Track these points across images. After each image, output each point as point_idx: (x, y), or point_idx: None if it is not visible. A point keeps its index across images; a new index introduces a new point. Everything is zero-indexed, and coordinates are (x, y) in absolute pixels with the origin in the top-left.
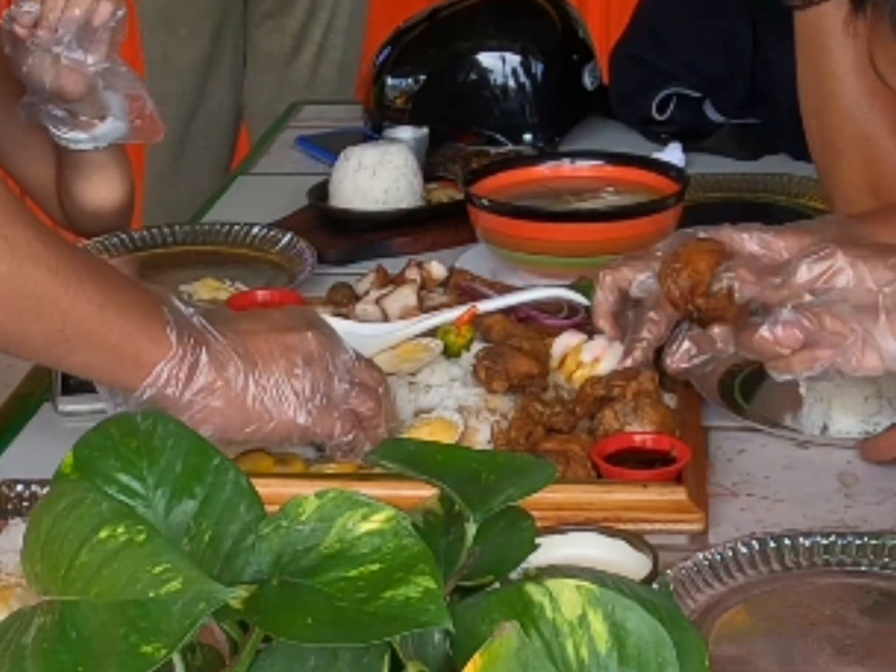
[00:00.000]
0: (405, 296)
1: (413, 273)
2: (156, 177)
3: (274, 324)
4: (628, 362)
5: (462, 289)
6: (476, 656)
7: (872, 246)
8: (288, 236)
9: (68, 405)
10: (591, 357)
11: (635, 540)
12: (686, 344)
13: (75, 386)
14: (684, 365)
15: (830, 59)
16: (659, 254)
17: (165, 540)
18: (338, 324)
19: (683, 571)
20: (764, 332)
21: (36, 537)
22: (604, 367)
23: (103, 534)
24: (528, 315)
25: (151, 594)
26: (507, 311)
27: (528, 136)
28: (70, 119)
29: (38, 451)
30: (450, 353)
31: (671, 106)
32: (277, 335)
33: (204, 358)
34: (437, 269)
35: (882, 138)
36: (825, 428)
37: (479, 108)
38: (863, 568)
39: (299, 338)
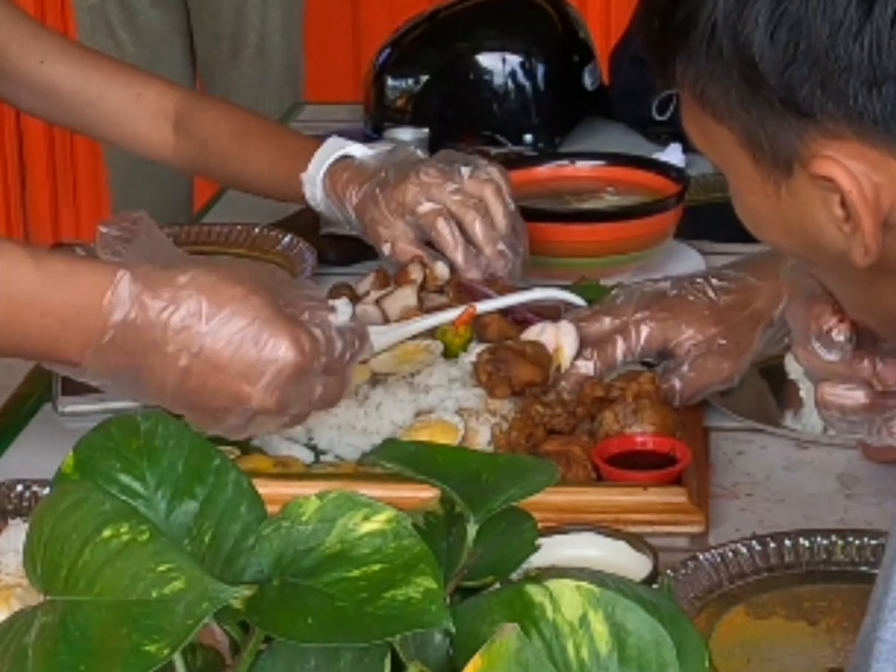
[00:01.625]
0: (405, 296)
1: (416, 271)
2: (118, 185)
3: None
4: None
5: (462, 286)
6: (476, 657)
7: None
8: (288, 237)
9: (68, 405)
10: (551, 348)
11: (636, 541)
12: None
13: (76, 386)
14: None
15: None
16: (615, 301)
17: (168, 539)
18: None
19: (684, 572)
20: (865, 356)
21: (38, 537)
22: (568, 353)
23: (106, 533)
24: (525, 318)
25: (154, 593)
26: (504, 312)
27: (528, 137)
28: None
29: (38, 452)
30: (448, 353)
31: (671, 106)
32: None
33: (165, 274)
34: (441, 269)
35: None
36: (825, 428)
37: (479, 109)
38: (863, 568)
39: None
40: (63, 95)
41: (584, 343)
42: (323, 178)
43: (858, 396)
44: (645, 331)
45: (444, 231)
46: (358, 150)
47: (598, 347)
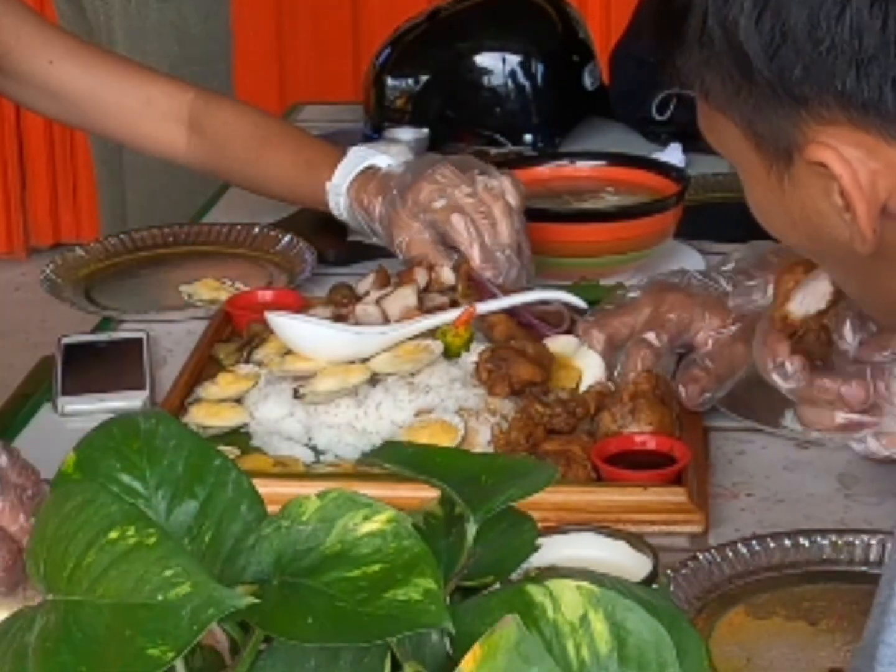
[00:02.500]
0: (405, 296)
1: (421, 274)
2: (105, 178)
3: None
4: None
5: (473, 280)
6: (476, 647)
7: None
8: (288, 236)
9: (69, 405)
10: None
11: (636, 540)
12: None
13: (76, 386)
14: (699, 400)
15: None
16: (633, 296)
17: (176, 543)
18: (337, 327)
19: (684, 572)
20: (828, 383)
21: (41, 537)
22: (589, 376)
23: (113, 535)
24: (530, 322)
25: (159, 597)
26: (510, 314)
27: (528, 137)
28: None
29: (38, 451)
30: (448, 353)
31: (671, 106)
32: None
33: None
34: (447, 274)
35: None
36: None
37: (479, 109)
38: (863, 568)
39: None
40: (72, 96)
41: (613, 340)
42: (348, 188)
43: (833, 417)
44: (674, 319)
45: (460, 226)
46: (383, 160)
47: (634, 344)
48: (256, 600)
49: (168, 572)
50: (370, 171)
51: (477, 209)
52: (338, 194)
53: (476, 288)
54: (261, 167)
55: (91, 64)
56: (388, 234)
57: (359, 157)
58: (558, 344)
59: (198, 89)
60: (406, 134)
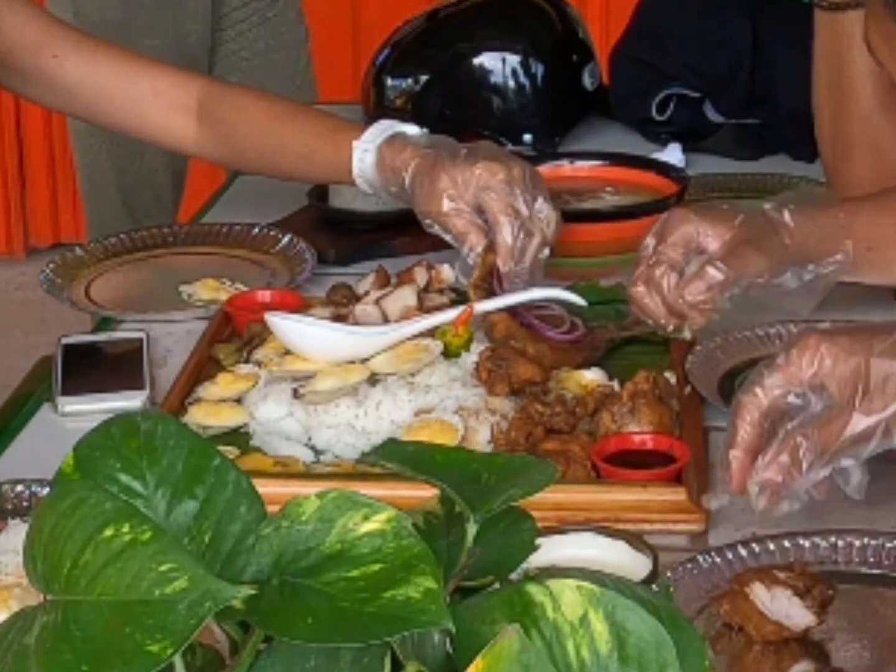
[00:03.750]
0: (405, 296)
1: (421, 273)
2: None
3: None
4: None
5: (491, 274)
6: (478, 659)
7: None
8: (288, 237)
9: (68, 405)
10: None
11: (635, 540)
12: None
13: (76, 386)
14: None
15: (850, 60)
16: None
17: (171, 539)
18: (336, 328)
19: (683, 572)
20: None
21: (38, 537)
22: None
23: (107, 532)
24: (530, 323)
25: (157, 593)
26: (511, 314)
27: (527, 137)
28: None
29: (38, 451)
30: (448, 353)
31: (671, 106)
32: None
33: None
34: (447, 273)
35: (892, 150)
36: None
37: (479, 109)
38: (863, 568)
39: None
40: (78, 90)
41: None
42: (378, 145)
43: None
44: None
45: (510, 230)
46: (413, 129)
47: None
48: (253, 591)
49: (164, 567)
50: (401, 135)
51: (524, 226)
52: (365, 150)
53: (492, 281)
54: (276, 139)
55: (96, 57)
56: (425, 179)
57: (389, 124)
58: (596, 374)
59: (206, 78)
60: None
